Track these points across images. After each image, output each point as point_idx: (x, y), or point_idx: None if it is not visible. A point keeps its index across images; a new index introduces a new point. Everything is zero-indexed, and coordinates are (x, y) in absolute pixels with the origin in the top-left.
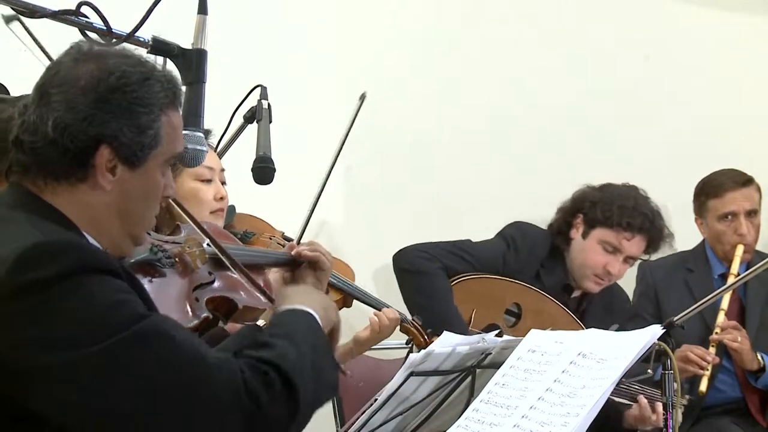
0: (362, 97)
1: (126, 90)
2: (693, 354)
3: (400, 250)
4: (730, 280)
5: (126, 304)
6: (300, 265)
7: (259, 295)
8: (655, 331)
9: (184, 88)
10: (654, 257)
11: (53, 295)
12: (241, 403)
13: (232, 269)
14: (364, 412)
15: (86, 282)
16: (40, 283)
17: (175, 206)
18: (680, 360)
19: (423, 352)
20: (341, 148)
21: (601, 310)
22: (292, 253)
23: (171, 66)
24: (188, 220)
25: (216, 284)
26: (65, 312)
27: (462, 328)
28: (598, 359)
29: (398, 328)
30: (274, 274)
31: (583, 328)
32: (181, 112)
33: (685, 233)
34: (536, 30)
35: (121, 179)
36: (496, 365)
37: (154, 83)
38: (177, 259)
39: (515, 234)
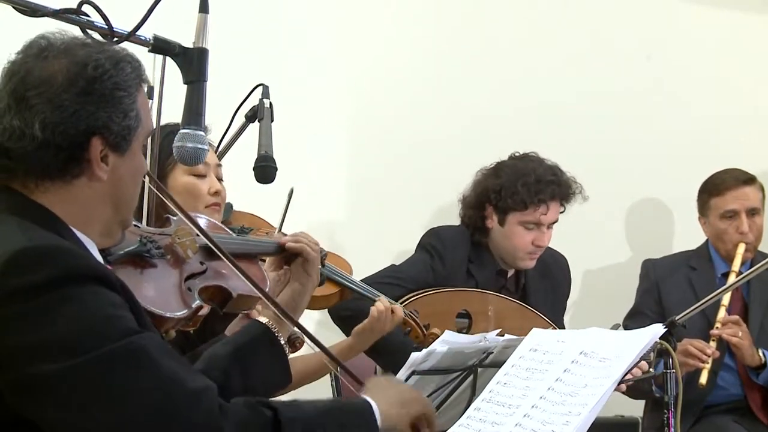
0: (290, 194)
1: (104, 78)
2: (693, 347)
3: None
4: (731, 277)
5: (119, 319)
6: (290, 256)
7: (248, 283)
8: (657, 330)
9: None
10: (658, 256)
11: (44, 302)
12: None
13: (223, 258)
14: None
15: (78, 291)
16: (30, 289)
17: (160, 194)
18: (680, 354)
19: (425, 351)
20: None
21: (539, 278)
22: (280, 242)
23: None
24: (176, 210)
25: (209, 273)
26: (56, 320)
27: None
28: (599, 358)
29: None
30: (269, 271)
31: (531, 309)
32: (145, 89)
33: (686, 233)
34: (537, 30)
35: (113, 167)
36: (498, 364)
37: (125, 65)
38: (167, 250)
39: (433, 241)
